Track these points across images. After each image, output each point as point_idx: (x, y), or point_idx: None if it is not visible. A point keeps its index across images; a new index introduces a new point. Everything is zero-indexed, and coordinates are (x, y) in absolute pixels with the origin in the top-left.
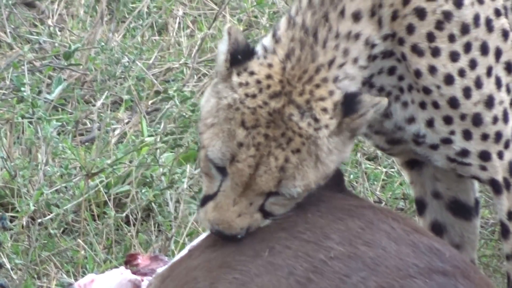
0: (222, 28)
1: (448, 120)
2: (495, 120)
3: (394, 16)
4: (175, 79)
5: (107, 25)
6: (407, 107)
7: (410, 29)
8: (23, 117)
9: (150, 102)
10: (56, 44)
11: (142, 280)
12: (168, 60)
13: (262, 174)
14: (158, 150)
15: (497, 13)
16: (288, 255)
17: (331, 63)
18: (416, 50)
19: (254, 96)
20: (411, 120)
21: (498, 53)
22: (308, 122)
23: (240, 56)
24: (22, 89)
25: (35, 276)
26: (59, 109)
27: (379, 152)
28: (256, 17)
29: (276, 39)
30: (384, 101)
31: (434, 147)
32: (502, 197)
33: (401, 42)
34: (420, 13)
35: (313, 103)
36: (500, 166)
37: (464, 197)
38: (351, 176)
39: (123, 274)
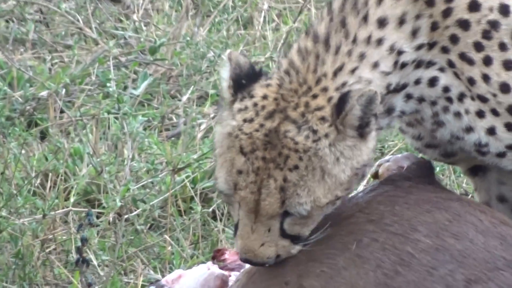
0: (307, 21)
1: (510, 127)
2: None
3: (434, 27)
4: None
5: (192, 20)
6: (461, 117)
7: (454, 39)
8: (109, 112)
9: None
10: (142, 39)
11: (230, 276)
12: (253, 54)
13: (265, 198)
14: None
15: None
16: (376, 248)
17: (339, 70)
18: (466, 58)
19: (251, 120)
20: (469, 129)
21: None
22: (305, 135)
23: (244, 80)
24: (108, 84)
25: (122, 272)
26: (145, 104)
27: None
28: None
29: (288, 53)
30: (369, 90)
31: (501, 155)
32: None
33: (445, 50)
34: (464, 24)
35: (309, 115)
36: None
37: None
38: (438, 168)
39: (210, 269)
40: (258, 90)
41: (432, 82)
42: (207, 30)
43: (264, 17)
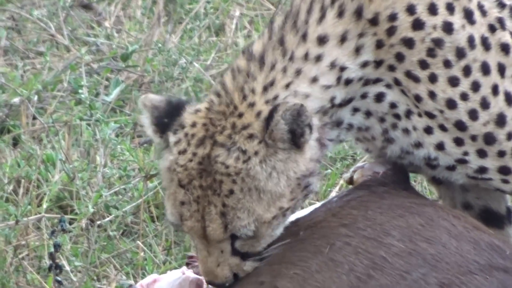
0: None
1: (459, 141)
2: (509, 136)
3: (379, 45)
4: None
5: (164, 27)
6: (410, 133)
7: (400, 57)
8: (81, 119)
9: None
10: (114, 46)
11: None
12: (225, 61)
13: (209, 225)
14: None
15: (492, 28)
16: (349, 252)
17: (269, 84)
18: (411, 76)
19: (184, 151)
20: (418, 145)
21: (502, 69)
22: (235, 157)
23: (166, 118)
24: (80, 91)
25: (95, 278)
26: (117, 110)
27: None
28: None
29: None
30: (295, 104)
31: (450, 168)
32: None
33: (391, 68)
34: (408, 43)
35: (236, 136)
36: None
37: (495, 206)
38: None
39: (185, 274)
40: (188, 118)
41: (379, 97)
42: (179, 37)
43: (236, 24)
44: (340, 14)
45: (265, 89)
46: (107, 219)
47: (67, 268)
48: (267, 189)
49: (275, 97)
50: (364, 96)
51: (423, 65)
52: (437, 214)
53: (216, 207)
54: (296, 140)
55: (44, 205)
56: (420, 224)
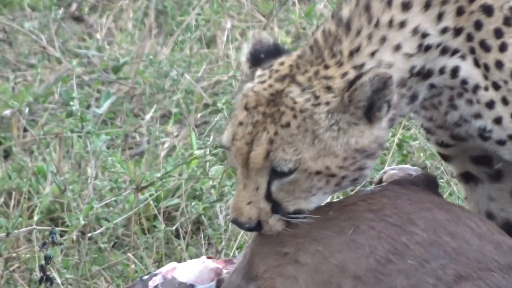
0: None
1: None
2: None
3: (460, 12)
4: (224, 92)
5: (155, 39)
6: (473, 105)
7: (478, 25)
8: (72, 131)
9: (199, 115)
10: (105, 58)
11: (224, 269)
12: (216, 73)
13: (255, 148)
14: (207, 163)
15: None
16: (371, 236)
17: (355, 50)
18: (484, 45)
19: (263, 82)
20: (477, 116)
21: None
22: (306, 98)
23: (263, 55)
24: (71, 103)
25: None
26: (108, 123)
27: (428, 163)
28: (304, 28)
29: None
30: (385, 73)
31: (501, 142)
32: None
33: (469, 38)
34: (487, 10)
35: (315, 81)
36: None
37: None
38: None
39: (205, 262)
40: (279, 60)
41: (454, 72)
42: (170, 49)
43: (227, 36)
44: None
45: (351, 54)
46: (98, 231)
47: (58, 280)
48: (323, 138)
49: (362, 65)
50: (442, 71)
51: (498, 34)
52: (464, 214)
53: (268, 134)
54: (370, 113)
55: (35, 217)
56: (446, 219)
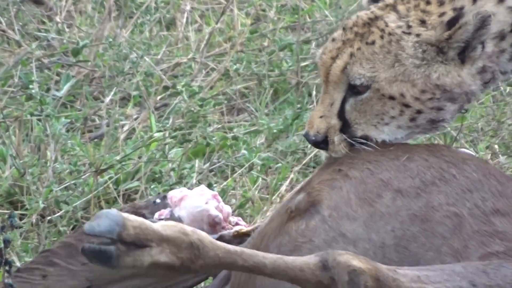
0: (230, 22)
1: None
2: None
3: None
4: (184, 74)
5: (115, 21)
6: None
7: None
8: (31, 114)
9: (158, 97)
10: (64, 41)
11: (225, 222)
12: (176, 55)
13: (336, 61)
14: (167, 146)
15: None
16: (422, 164)
17: None
18: None
19: (369, 9)
20: None
21: None
22: (398, 25)
23: None
24: (31, 86)
25: None
26: (68, 106)
27: None
28: (264, 10)
29: None
30: (485, 11)
31: None
32: None
33: None
34: None
35: (412, 12)
36: None
37: None
38: None
39: (208, 204)
40: None
41: None
42: (129, 31)
43: (187, 18)
44: None
45: None
46: (57, 214)
47: (18, 264)
48: (404, 63)
49: (461, 8)
50: None
51: None
52: None
53: (352, 48)
54: (462, 54)
55: None
56: (498, 181)
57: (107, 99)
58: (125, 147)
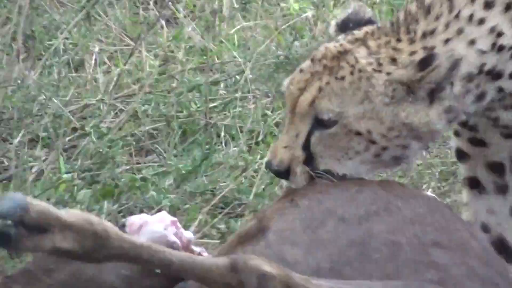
0: (139, 64)
1: None
2: None
3: None
4: (92, 116)
5: (23, 63)
6: None
7: None
8: None
9: (67, 139)
10: None
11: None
12: (85, 97)
13: (304, 93)
14: (75, 187)
15: None
16: (370, 196)
17: (429, 33)
18: None
19: (337, 41)
20: None
21: None
22: (369, 61)
23: (352, 24)
24: None
25: None
26: None
27: None
28: (172, 52)
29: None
30: (458, 54)
31: None
32: None
33: None
34: None
35: (383, 49)
36: None
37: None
38: None
39: (167, 230)
40: (362, 29)
41: None
42: (38, 73)
43: (95, 60)
44: None
45: (425, 35)
46: None
47: None
48: (374, 100)
49: (432, 48)
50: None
51: None
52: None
53: (320, 82)
54: (431, 94)
55: None
56: (445, 214)
57: (16, 141)
58: (34, 188)
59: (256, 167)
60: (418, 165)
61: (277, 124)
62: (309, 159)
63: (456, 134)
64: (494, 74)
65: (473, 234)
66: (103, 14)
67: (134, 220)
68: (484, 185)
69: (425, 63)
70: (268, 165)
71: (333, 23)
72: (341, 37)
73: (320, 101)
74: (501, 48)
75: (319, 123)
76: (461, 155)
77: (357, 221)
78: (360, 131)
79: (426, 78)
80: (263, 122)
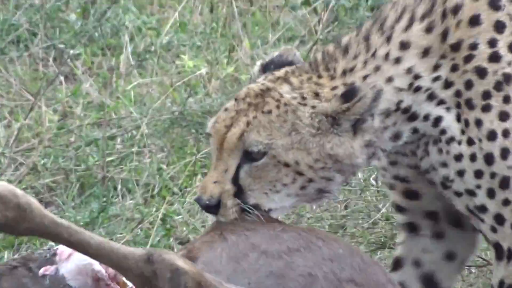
0: (38, 118)
1: (478, 174)
2: None
3: (454, 69)
4: None
5: None
6: (442, 154)
7: (469, 84)
8: None
9: None
10: None
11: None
12: None
13: (231, 129)
14: None
15: None
16: (294, 236)
17: (349, 70)
18: (470, 103)
19: (257, 82)
20: (444, 165)
21: None
22: (293, 96)
23: (273, 66)
24: None
25: None
26: None
27: (191, 237)
28: (71, 107)
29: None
30: (379, 84)
31: (458, 194)
32: (500, 264)
33: (458, 94)
34: (481, 72)
35: (306, 84)
36: (510, 235)
37: (442, 278)
38: None
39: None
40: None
41: (436, 122)
42: None
43: None
44: (428, 30)
45: (344, 73)
46: None
47: None
48: (300, 132)
49: (352, 83)
50: (426, 118)
51: (486, 95)
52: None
53: (247, 117)
54: (354, 125)
55: None
56: (364, 258)
57: None
58: None
59: (152, 219)
60: (307, 218)
61: (172, 178)
62: (239, 193)
63: (391, 187)
64: (410, 115)
65: (391, 280)
66: (3, 70)
67: (64, 248)
68: (421, 229)
69: (348, 95)
70: (198, 201)
71: (258, 63)
72: (261, 78)
73: (249, 134)
74: (417, 89)
75: (247, 157)
76: (398, 208)
77: (278, 255)
78: (288, 162)
79: (352, 109)
80: (158, 176)
